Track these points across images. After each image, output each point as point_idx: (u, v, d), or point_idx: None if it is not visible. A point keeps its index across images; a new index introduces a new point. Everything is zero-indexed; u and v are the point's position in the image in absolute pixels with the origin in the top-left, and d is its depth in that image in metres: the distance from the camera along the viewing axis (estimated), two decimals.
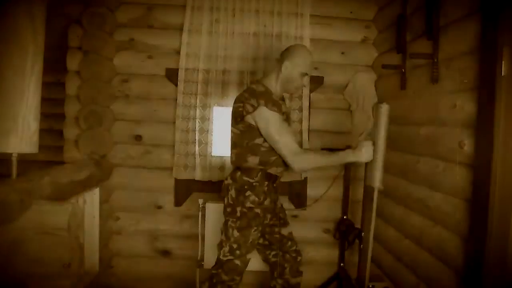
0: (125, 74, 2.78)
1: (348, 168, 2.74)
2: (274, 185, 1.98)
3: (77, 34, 2.64)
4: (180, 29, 2.71)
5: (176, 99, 2.71)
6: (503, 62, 1.44)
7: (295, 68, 1.91)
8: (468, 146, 1.65)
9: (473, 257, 1.57)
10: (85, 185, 2.26)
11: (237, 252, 1.87)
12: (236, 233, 1.88)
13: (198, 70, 2.69)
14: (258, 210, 1.90)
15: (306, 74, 1.95)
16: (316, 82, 2.78)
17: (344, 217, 2.77)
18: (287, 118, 1.98)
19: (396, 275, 2.30)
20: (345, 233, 2.69)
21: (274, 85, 1.96)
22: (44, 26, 1.64)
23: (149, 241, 2.86)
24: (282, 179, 2.69)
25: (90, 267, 2.48)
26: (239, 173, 1.92)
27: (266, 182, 1.92)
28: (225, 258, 1.88)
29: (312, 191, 2.84)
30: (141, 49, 2.77)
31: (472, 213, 1.61)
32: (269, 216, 2.00)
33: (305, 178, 2.80)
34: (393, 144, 2.41)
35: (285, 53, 1.95)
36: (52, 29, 1.85)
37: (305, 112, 2.73)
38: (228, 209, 1.92)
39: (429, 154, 1.99)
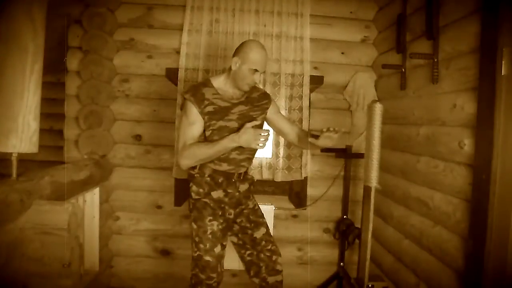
0: (125, 74, 2.78)
1: (348, 168, 2.75)
2: (233, 180, 1.95)
3: (77, 34, 2.64)
4: (180, 29, 2.71)
5: (176, 99, 2.71)
6: (503, 62, 1.44)
7: (244, 65, 1.83)
8: (468, 146, 1.65)
9: (473, 257, 1.57)
10: (85, 185, 2.26)
11: (201, 245, 1.86)
12: (194, 226, 1.91)
13: (198, 70, 2.69)
14: (206, 200, 1.91)
15: (257, 70, 1.85)
16: (316, 82, 2.78)
17: (344, 217, 2.77)
18: (218, 111, 1.87)
19: (396, 275, 2.30)
20: (345, 233, 2.69)
21: (222, 81, 1.93)
22: (44, 26, 1.64)
23: (149, 241, 2.86)
24: (282, 179, 2.72)
25: (90, 267, 2.48)
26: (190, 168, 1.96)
27: (207, 173, 1.91)
28: (195, 255, 1.88)
29: (312, 191, 2.84)
30: (141, 49, 2.77)
31: (472, 213, 1.61)
32: (232, 211, 1.97)
33: (305, 178, 2.80)
34: (393, 144, 2.42)
35: (237, 49, 1.90)
36: (52, 29, 1.85)
37: (305, 112, 2.73)
38: (190, 205, 1.97)
39: (429, 154, 1.99)
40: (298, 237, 2.90)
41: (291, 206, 2.88)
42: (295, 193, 2.88)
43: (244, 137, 1.77)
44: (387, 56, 2.61)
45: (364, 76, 2.81)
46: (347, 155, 2.72)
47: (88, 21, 2.57)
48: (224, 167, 1.92)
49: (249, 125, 1.81)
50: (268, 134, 1.81)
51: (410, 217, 2.17)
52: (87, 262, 2.46)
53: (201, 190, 1.92)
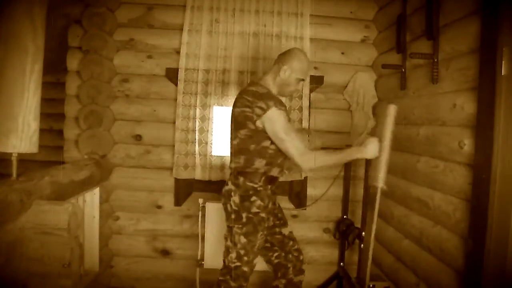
0: (125, 74, 2.78)
1: (348, 168, 2.74)
2: (274, 187, 1.98)
3: (77, 34, 2.64)
4: (180, 29, 2.71)
5: (176, 99, 2.71)
6: (503, 62, 1.44)
7: (293, 73, 1.90)
8: (468, 146, 1.65)
9: (473, 257, 1.57)
10: (85, 185, 2.26)
11: (245, 258, 1.85)
12: (243, 239, 1.85)
13: (198, 70, 2.69)
14: (263, 214, 1.88)
15: (303, 79, 1.94)
16: (316, 82, 2.78)
17: (344, 217, 2.77)
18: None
19: (396, 275, 2.30)
20: (345, 233, 2.69)
21: (271, 87, 1.95)
22: (44, 26, 1.64)
23: (149, 241, 2.86)
24: (282, 179, 2.71)
25: (90, 267, 2.47)
26: (241, 178, 1.88)
27: (270, 186, 1.92)
28: (233, 265, 1.86)
29: (312, 191, 2.84)
30: (141, 49, 2.77)
31: (472, 213, 1.61)
32: (271, 218, 2.00)
33: (305, 178, 2.80)
34: (393, 144, 2.41)
35: (284, 57, 1.93)
36: (52, 29, 1.85)
37: (305, 112, 2.73)
38: (233, 216, 1.88)
39: (429, 154, 1.99)
40: (298, 237, 2.85)
41: (291, 206, 2.88)
42: (295, 193, 2.88)
43: (371, 148, 1.82)
44: (387, 56, 2.61)
45: (364, 76, 2.81)
46: None
47: (88, 21, 2.57)
48: (280, 171, 1.96)
49: (373, 138, 1.85)
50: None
51: (410, 217, 2.17)
52: (87, 262, 2.46)
53: (262, 204, 1.88)
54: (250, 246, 1.85)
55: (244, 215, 1.86)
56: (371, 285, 2.07)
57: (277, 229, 2.02)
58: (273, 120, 1.81)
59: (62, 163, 2.34)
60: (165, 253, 2.87)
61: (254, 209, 1.86)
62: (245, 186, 1.88)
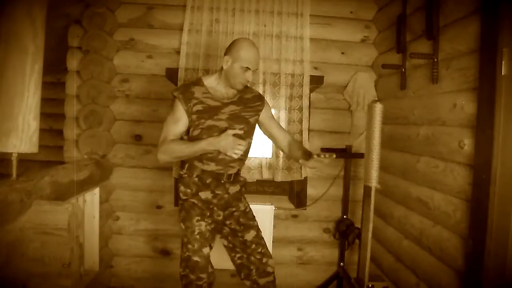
0: (125, 74, 2.78)
1: (348, 168, 2.75)
2: (222, 181, 1.94)
3: (77, 34, 2.64)
4: (180, 29, 2.71)
5: None
6: (503, 62, 1.44)
7: (236, 63, 1.82)
8: (468, 146, 1.65)
9: (473, 257, 1.57)
10: (85, 185, 2.26)
11: (189, 246, 1.86)
12: (182, 226, 1.92)
13: (198, 70, 2.69)
14: (194, 200, 1.91)
15: (248, 68, 1.83)
16: (316, 82, 2.78)
17: (344, 217, 2.77)
18: (208, 110, 1.87)
19: (396, 275, 2.30)
20: (345, 233, 2.69)
21: (214, 80, 1.92)
22: (44, 26, 1.64)
23: (149, 240, 2.86)
24: (282, 179, 2.72)
25: (90, 267, 2.48)
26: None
27: (195, 174, 1.91)
28: (184, 255, 1.88)
29: (312, 191, 2.84)
30: (141, 49, 2.77)
31: (472, 213, 1.61)
32: (221, 213, 1.97)
33: (305, 178, 2.80)
34: (393, 144, 2.42)
35: (228, 47, 1.90)
36: (52, 29, 1.85)
37: (305, 112, 2.73)
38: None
39: (429, 154, 1.99)
40: (298, 237, 2.90)
41: (291, 206, 2.88)
42: (295, 193, 2.88)
43: (223, 143, 1.78)
44: (387, 56, 2.61)
45: (364, 76, 2.81)
46: (347, 155, 2.72)
47: (88, 21, 2.57)
48: (212, 167, 1.91)
49: (230, 132, 1.82)
50: (246, 146, 1.83)
51: (410, 217, 2.17)
52: (87, 262, 2.46)
53: (188, 190, 1.93)
54: (189, 232, 1.88)
55: (179, 202, 1.96)
56: (370, 285, 2.07)
57: (239, 233, 2.00)
58: (170, 107, 1.91)
59: (62, 163, 2.35)
60: (165, 253, 2.87)
61: (182, 196, 1.94)
62: (177, 173, 2.00)
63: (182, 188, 1.94)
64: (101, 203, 2.54)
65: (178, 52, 2.72)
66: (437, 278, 1.85)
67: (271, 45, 2.73)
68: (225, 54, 1.88)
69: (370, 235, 1.94)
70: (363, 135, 2.73)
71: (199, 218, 1.90)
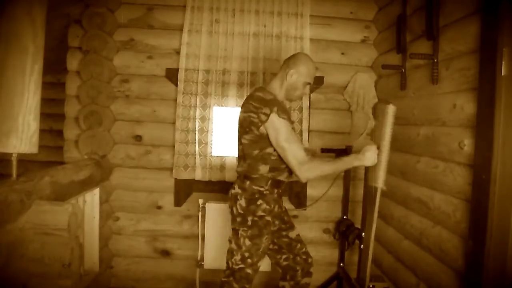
0: (125, 74, 2.78)
1: (348, 169, 2.74)
2: (280, 191, 1.98)
3: (77, 34, 2.64)
4: (180, 29, 2.72)
5: (176, 100, 2.71)
6: (503, 62, 1.44)
7: (300, 77, 1.91)
8: (468, 146, 1.65)
9: (473, 257, 1.57)
10: (85, 185, 2.26)
11: (249, 260, 1.86)
12: (248, 242, 1.85)
13: (198, 70, 2.69)
14: (269, 218, 1.88)
15: (309, 83, 1.96)
16: (316, 82, 2.77)
17: (344, 217, 2.77)
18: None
19: (396, 275, 2.30)
20: (345, 233, 2.69)
21: (278, 92, 1.94)
22: (44, 26, 1.64)
23: (149, 241, 2.86)
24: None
25: (90, 267, 2.47)
26: (248, 182, 1.88)
27: (276, 190, 1.92)
28: (236, 267, 1.86)
29: (312, 191, 2.84)
30: (141, 49, 2.77)
31: (472, 213, 1.61)
32: (277, 222, 2.00)
33: None
34: (393, 144, 2.39)
35: (290, 61, 1.93)
36: (52, 29, 1.85)
37: (305, 112, 2.73)
38: (238, 219, 1.88)
39: (429, 154, 1.99)
40: None
41: (291, 206, 2.88)
42: (295, 193, 2.88)
43: (369, 155, 1.80)
44: (387, 56, 2.61)
45: (364, 77, 2.81)
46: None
47: (88, 21, 2.57)
48: (286, 176, 1.94)
49: (370, 146, 1.83)
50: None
51: (410, 217, 2.17)
52: (87, 262, 2.46)
53: (268, 207, 1.88)
54: (254, 249, 1.86)
55: (249, 218, 1.85)
56: (371, 286, 2.07)
57: (283, 233, 2.02)
58: (275, 128, 1.80)
59: (62, 163, 2.35)
60: (165, 253, 2.87)
61: (260, 213, 1.86)
62: (251, 189, 1.87)
63: (264, 206, 1.86)
64: (101, 203, 2.54)
65: (178, 52, 2.72)
66: (437, 278, 1.85)
67: (271, 45, 2.73)
68: (287, 67, 1.92)
69: (373, 235, 1.94)
70: (363, 136, 2.73)
71: (267, 236, 1.89)
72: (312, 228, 2.90)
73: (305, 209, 2.85)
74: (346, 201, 2.77)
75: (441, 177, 1.86)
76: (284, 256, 2.04)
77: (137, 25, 2.76)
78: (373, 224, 1.93)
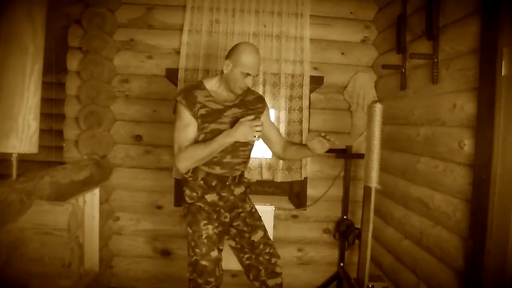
0: (125, 74, 2.78)
1: (348, 169, 2.74)
2: (227, 183, 1.94)
3: (77, 34, 2.64)
4: (180, 29, 2.72)
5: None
6: (503, 62, 1.44)
7: (236, 68, 1.80)
8: (468, 146, 1.65)
9: (473, 257, 1.57)
10: (85, 185, 2.26)
11: (197, 250, 1.85)
12: (189, 230, 1.90)
13: (198, 70, 2.69)
14: (200, 204, 1.90)
15: (249, 74, 1.81)
16: (316, 82, 2.78)
17: (344, 217, 2.77)
18: (211, 114, 1.86)
19: (396, 275, 2.30)
20: (345, 233, 2.69)
21: (215, 83, 1.91)
22: (44, 26, 1.64)
23: (149, 241, 2.86)
24: (282, 179, 2.72)
25: (90, 267, 2.47)
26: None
27: (200, 176, 1.91)
28: (191, 259, 1.87)
29: (312, 191, 2.84)
30: (141, 49, 2.77)
31: (472, 214, 1.61)
32: (227, 214, 1.96)
33: (305, 178, 2.80)
34: (393, 144, 2.42)
35: (229, 52, 1.88)
36: (52, 29, 1.85)
37: (305, 112, 2.73)
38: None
39: (429, 154, 1.99)
40: (298, 237, 2.90)
41: (291, 206, 2.88)
42: (295, 193, 2.88)
43: (240, 130, 1.76)
44: (387, 56, 2.61)
45: (364, 77, 2.81)
46: (347, 155, 2.72)
47: (88, 21, 2.57)
48: (218, 170, 1.91)
49: (242, 119, 1.80)
50: (262, 123, 1.81)
51: (410, 217, 2.17)
52: (87, 262, 2.46)
53: (194, 194, 1.91)
54: (196, 236, 1.86)
55: (184, 206, 1.95)
56: (370, 286, 2.07)
57: (246, 235, 2.00)
58: (176, 113, 1.87)
59: (62, 164, 2.35)
60: (165, 253, 2.87)
61: (187, 199, 1.93)
62: (182, 177, 1.97)
63: (187, 191, 1.93)
64: (101, 203, 2.54)
65: (178, 52, 2.72)
66: (437, 278, 1.85)
67: (271, 45, 2.73)
68: (226, 58, 1.86)
69: (370, 235, 1.94)
70: (363, 136, 2.73)
71: (206, 222, 1.89)
72: (312, 228, 2.90)
73: (305, 209, 2.85)
74: (346, 201, 2.77)
75: (441, 177, 1.86)
76: (246, 256, 2.03)
77: (137, 25, 2.76)
78: (370, 223, 1.94)
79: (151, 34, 2.77)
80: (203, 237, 1.86)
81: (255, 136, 1.77)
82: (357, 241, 2.54)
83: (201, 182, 1.91)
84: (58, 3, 2.20)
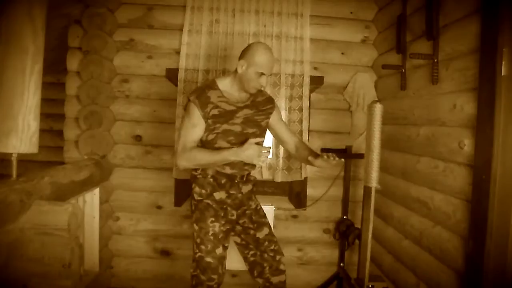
0: (125, 74, 2.78)
1: (348, 169, 2.75)
2: (236, 181, 1.95)
3: (77, 34, 2.64)
4: (180, 29, 2.72)
5: (176, 100, 2.71)
6: (503, 62, 1.44)
7: (250, 67, 1.82)
8: (468, 146, 1.65)
9: (473, 257, 1.57)
10: (85, 185, 2.26)
11: (202, 247, 1.86)
12: (195, 227, 1.91)
13: (198, 70, 2.69)
14: (208, 201, 1.91)
15: (263, 73, 1.84)
16: (316, 82, 2.78)
17: (344, 217, 2.77)
18: (224, 115, 1.87)
19: (396, 275, 2.30)
20: (345, 233, 2.69)
21: (228, 83, 1.92)
22: (44, 26, 1.64)
23: (149, 241, 2.86)
24: (282, 179, 2.72)
25: (90, 267, 2.48)
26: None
27: (210, 174, 1.91)
28: (196, 256, 1.88)
29: (312, 191, 2.84)
30: (141, 49, 2.77)
31: (472, 213, 1.61)
32: (234, 212, 1.97)
33: (305, 178, 2.80)
34: (393, 144, 2.42)
35: (243, 51, 1.90)
36: (52, 29, 1.85)
37: (305, 112, 2.73)
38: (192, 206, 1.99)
39: (429, 154, 1.99)
40: (298, 237, 2.90)
41: (291, 206, 2.88)
42: (295, 193, 2.88)
43: (248, 153, 1.77)
44: (387, 56, 2.61)
45: (364, 77, 2.81)
46: (347, 156, 2.72)
47: (88, 21, 2.57)
48: (228, 170, 1.92)
49: (253, 141, 1.81)
50: (270, 148, 1.84)
51: (410, 217, 2.17)
52: (87, 262, 2.46)
53: (203, 191, 1.92)
54: (203, 233, 1.88)
55: (192, 202, 1.96)
56: (370, 286, 2.06)
57: (251, 231, 2.01)
58: (186, 113, 1.89)
59: (62, 164, 2.35)
60: (165, 253, 2.87)
61: (196, 196, 1.93)
62: (191, 174, 1.98)
63: (197, 189, 1.93)
64: (101, 203, 2.54)
65: (178, 52, 2.72)
66: (437, 278, 1.85)
67: (271, 45, 2.72)
68: (240, 58, 1.87)
69: (370, 235, 1.94)
70: (363, 136, 2.73)
71: (213, 219, 1.89)
72: (312, 228, 2.90)
73: (305, 209, 2.85)
74: (346, 201, 2.77)
75: (441, 177, 1.86)
76: (251, 252, 2.04)
77: (137, 25, 2.76)
78: (370, 223, 1.94)
79: (151, 34, 2.77)
80: (209, 234, 1.87)
81: (260, 162, 1.79)
82: (357, 241, 2.54)
83: (211, 179, 1.93)
84: (58, 3, 2.20)
